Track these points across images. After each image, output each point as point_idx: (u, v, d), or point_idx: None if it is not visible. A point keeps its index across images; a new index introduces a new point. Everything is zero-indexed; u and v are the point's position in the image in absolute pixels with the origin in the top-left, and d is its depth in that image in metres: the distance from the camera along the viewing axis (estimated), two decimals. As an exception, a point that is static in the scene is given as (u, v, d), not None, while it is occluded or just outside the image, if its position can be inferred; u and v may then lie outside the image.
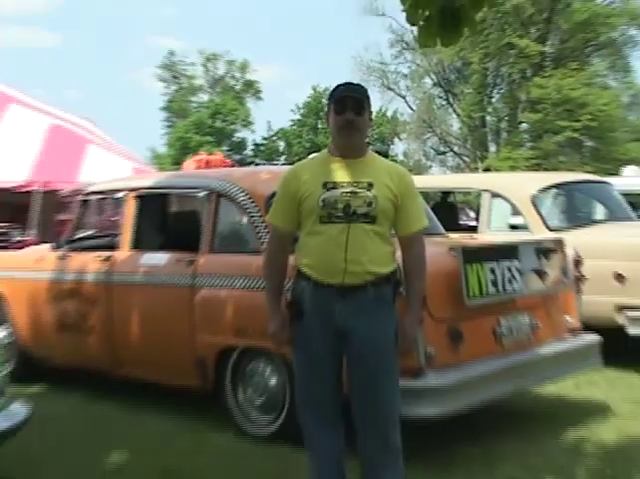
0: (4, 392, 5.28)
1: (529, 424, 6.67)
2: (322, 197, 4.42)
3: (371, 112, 4.60)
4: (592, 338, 6.96)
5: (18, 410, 5.31)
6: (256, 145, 73.39)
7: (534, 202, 9.25)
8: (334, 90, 4.59)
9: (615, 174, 18.47)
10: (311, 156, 4.87)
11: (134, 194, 7.59)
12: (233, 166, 14.57)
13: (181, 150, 65.46)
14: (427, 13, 5.00)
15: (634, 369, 8.44)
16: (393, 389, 4.56)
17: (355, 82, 4.78)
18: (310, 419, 4.72)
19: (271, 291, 4.78)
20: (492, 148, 52.93)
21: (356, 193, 4.39)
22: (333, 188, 4.42)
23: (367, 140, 4.69)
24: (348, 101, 4.47)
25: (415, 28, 5.18)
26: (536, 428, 6.55)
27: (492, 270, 5.99)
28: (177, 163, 58.90)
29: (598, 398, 7.47)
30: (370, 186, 4.40)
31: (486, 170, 42.56)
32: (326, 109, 4.66)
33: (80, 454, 6.15)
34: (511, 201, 9.42)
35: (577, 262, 7.04)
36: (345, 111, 4.46)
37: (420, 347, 5.40)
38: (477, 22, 5.27)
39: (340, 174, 4.47)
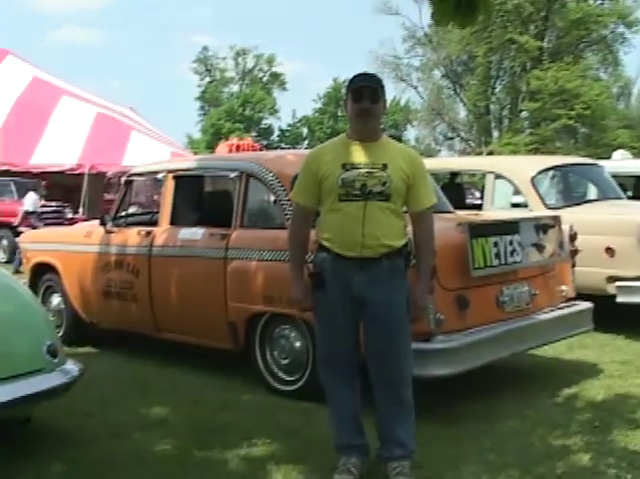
0: (59, 352, 5.30)
1: (527, 383, 6.66)
2: (341, 176, 4.44)
3: (385, 99, 4.61)
4: (585, 305, 6.93)
5: (71, 368, 5.33)
6: (282, 131, 73.49)
7: (534, 182, 9.20)
8: (352, 80, 4.61)
9: (606, 158, 18.34)
10: (330, 140, 4.85)
11: (172, 175, 7.57)
12: (261, 149, 14.53)
13: (214, 135, 65.72)
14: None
15: (623, 334, 8.41)
16: (405, 350, 4.59)
17: (371, 73, 4.78)
18: (330, 378, 4.75)
19: (294, 262, 4.79)
20: (496, 134, 52.93)
21: (372, 173, 4.41)
22: (351, 168, 4.44)
23: (382, 125, 4.68)
24: (364, 90, 4.49)
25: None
26: (533, 387, 6.54)
27: (496, 244, 5.95)
28: (211, 147, 59.14)
29: (589, 360, 7.45)
30: (385, 167, 4.43)
31: (490, 153, 42.40)
32: (344, 97, 4.67)
33: (122, 409, 6.16)
34: (513, 181, 9.36)
35: (572, 237, 6.98)
36: (362, 99, 4.47)
37: (430, 314, 5.37)
38: (493, 5, 4.92)
39: (357, 156, 4.48)
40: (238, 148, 13.05)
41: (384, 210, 4.42)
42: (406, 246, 4.54)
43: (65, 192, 24.18)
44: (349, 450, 4.74)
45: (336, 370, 4.71)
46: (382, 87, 4.58)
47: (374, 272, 4.45)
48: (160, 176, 7.75)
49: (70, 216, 20.74)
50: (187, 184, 7.70)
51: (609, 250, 8.31)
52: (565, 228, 6.83)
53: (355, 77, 4.62)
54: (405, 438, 4.63)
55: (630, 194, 11.34)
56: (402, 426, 4.63)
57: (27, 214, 18.10)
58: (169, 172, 7.65)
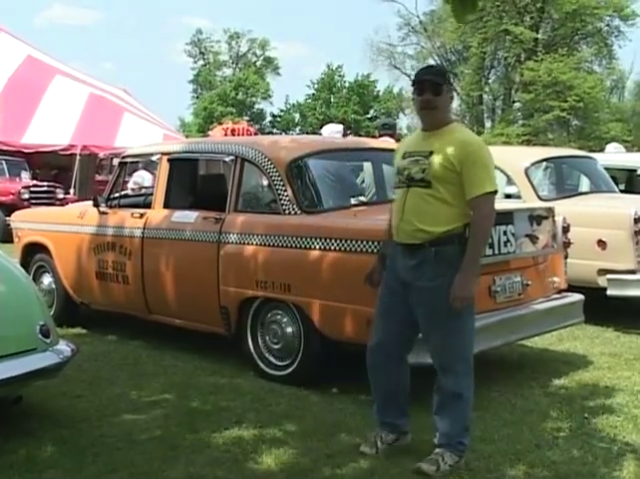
0: (52, 332, 5.30)
1: (517, 373, 6.69)
2: (398, 165, 4.70)
3: (451, 89, 4.76)
4: (576, 297, 6.95)
5: (64, 348, 5.34)
6: (274, 116, 73.31)
7: (527, 173, 9.21)
8: (416, 73, 4.79)
9: (598, 150, 18.37)
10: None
11: (166, 157, 7.55)
12: (256, 134, 14.50)
13: (207, 119, 65.58)
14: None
15: (612, 326, 8.45)
16: (450, 338, 4.62)
17: (434, 65, 4.87)
18: (371, 353, 4.87)
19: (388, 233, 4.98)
20: (488, 124, 52.98)
21: (417, 161, 4.57)
22: (407, 157, 4.65)
23: (448, 114, 4.76)
24: (426, 84, 4.61)
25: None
26: (523, 377, 6.58)
27: (490, 234, 5.96)
28: (202, 131, 59.03)
29: (579, 351, 7.48)
30: (430, 154, 4.53)
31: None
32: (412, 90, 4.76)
33: (112, 391, 6.18)
34: (507, 172, 9.34)
35: (565, 229, 7.00)
36: (423, 92, 4.60)
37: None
38: None
39: (414, 145, 4.72)
40: (233, 131, 13.01)
41: (424, 196, 4.52)
42: (461, 235, 4.53)
43: (57, 172, 24.15)
44: (381, 426, 4.93)
45: (379, 350, 4.82)
46: (445, 79, 4.73)
47: (418, 258, 4.56)
48: (154, 158, 7.73)
49: (61, 196, 20.69)
50: (182, 166, 7.68)
51: (601, 243, 8.33)
52: (559, 219, 6.85)
53: (419, 70, 4.82)
54: (445, 427, 4.67)
55: (622, 187, 11.35)
56: (444, 415, 4.68)
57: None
58: (164, 154, 7.63)
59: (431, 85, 4.58)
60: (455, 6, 4.37)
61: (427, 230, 4.50)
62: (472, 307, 4.64)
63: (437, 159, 4.49)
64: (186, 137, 39.71)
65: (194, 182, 8.12)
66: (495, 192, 4.57)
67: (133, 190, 13.31)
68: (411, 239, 4.56)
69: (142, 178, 16.90)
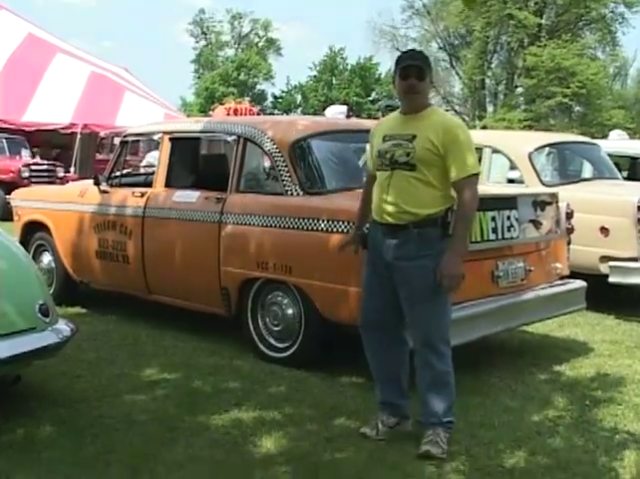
0: (51, 311, 5.26)
1: (518, 359, 6.66)
2: (379, 148, 4.74)
3: (432, 74, 4.80)
4: (578, 284, 6.93)
5: (64, 327, 5.30)
6: (275, 97, 73.08)
7: (531, 158, 9.14)
8: (399, 57, 4.83)
9: (600, 137, 18.31)
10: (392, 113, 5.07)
11: (168, 137, 7.49)
12: (259, 114, 14.40)
13: (208, 99, 65.46)
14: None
15: (613, 313, 8.41)
16: (433, 317, 4.66)
17: (417, 50, 5.08)
18: (364, 335, 4.93)
19: (359, 211, 5.14)
20: (490, 108, 52.87)
21: (400, 144, 4.62)
22: (388, 140, 4.69)
23: (428, 98, 4.84)
24: (411, 68, 4.66)
25: None
26: (524, 363, 6.54)
27: (494, 219, 5.94)
28: (204, 111, 58.86)
29: (580, 338, 7.45)
30: (413, 137, 4.58)
31: (484, 128, 42.32)
32: (392, 74, 4.90)
33: (111, 371, 6.14)
34: (510, 157, 9.31)
35: (569, 215, 6.96)
36: (409, 77, 4.64)
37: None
38: None
39: (396, 128, 4.75)
40: (236, 111, 12.91)
41: (408, 179, 4.57)
42: (444, 217, 4.59)
43: (59, 151, 24.08)
44: (382, 406, 4.93)
45: (370, 328, 4.89)
46: (428, 64, 4.76)
47: (400, 239, 4.61)
48: (156, 137, 7.67)
49: (61, 174, 20.62)
50: (184, 146, 7.63)
51: (604, 230, 8.29)
52: (562, 205, 6.80)
53: (402, 55, 4.86)
54: (436, 406, 4.69)
55: (625, 174, 11.31)
56: (433, 393, 4.70)
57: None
58: (165, 133, 7.57)
59: (416, 70, 4.65)
60: None
61: (412, 211, 4.57)
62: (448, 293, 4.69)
63: (420, 142, 4.55)
64: (188, 116, 39.56)
65: (196, 161, 8.04)
66: (478, 173, 4.65)
67: (145, 169, 13.24)
68: (395, 220, 4.62)
69: (154, 158, 16.78)
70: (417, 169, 4.55)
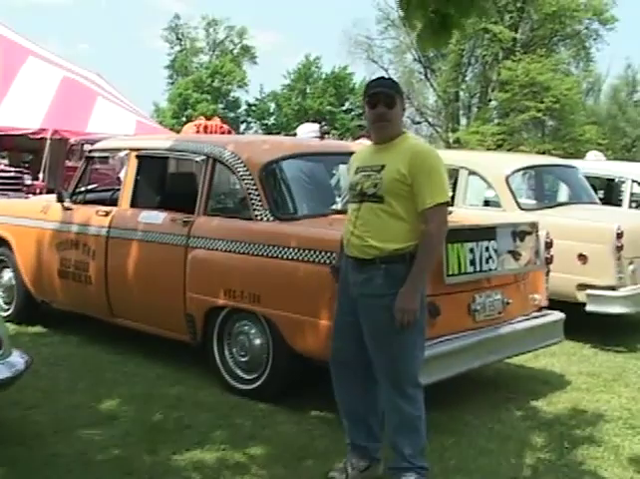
0: (4, 343, 4.96)
1: (493, 393, 6.44)
2: (350, 180, 4.58)
3: (403, 101, 4.56)
4: (557, 316, 6.69)
5: (17, 360, 5.01)
6: (249, 105, 72.82)
7: (508, 181, 8.92)
8: (367, 85, 4.63)
9: (572, 153, 18.24)
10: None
11: (135, 154, 7.21)
12: (230, 132, 14.09)
13: (181, 105, 65.16)
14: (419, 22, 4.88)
15: (589, 343, 8.20)
16: (399, 358, 4.40)
17: (386, 77, 4.90)
18: (333, 373, 4.70)
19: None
20: (463, 121, 53.01)
21: (369, 175, 4.42)
22: (359, 172, 4.49)
23: (400, 126, 4.57)
24: (380, 96, 4.44)
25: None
26: (499, 397, 6.33)
27: (472, 250, 5.69)
28: (177, 117, 58.56)
29: (556, 370, 7.24)
30: (382, 168, 4.37)
31: (457, 141, 42.37)
32: (363, 101, 4.60)
33: (69, 401, 5.86)
34: (487, 179, 9.10)
35: (548, 244, 6.74)
36: (377, 105, 4.43)
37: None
38: (465, 27, 5.02)
39: (367, 159, 4.56)
40: (206, 128, 12.61)
41: (375, 211, 4.36)
42: (414, 252, 4.32)
43: (32, 157, 23.69)
44: (351, 448, 4.69)
45: (338, 366, 4.67)
46: (398, 92, 4.53)
47: (366, 274, 4.40)
48: (122, 153, 7.38)
49: (28, 182, 20.20)
50: (151, 164, 7.35)
51: (582, 257, 8.10)
52: (542, 234, 6.58)
53: (370, 82, 4.67)
54: (406, 450, 4.44)
55: (601, 194, 11.16)
56: (403, 436, 4.46)
57: None
58: (133, 150, 7.29)
59: (384, 97, 4.44)
60: (424, 33, 4.43)
61: (377, 246, 4.35)
62: (420, 328, 4.43)
63: (388, 172, 4.35)
64: (160, 123, 39.19)
65: (163, 181, 7.77)
66: (447, 202, 4.42)
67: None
68: (361, 254, 4.41)
69: None
70: (384, 201, 4.33)
